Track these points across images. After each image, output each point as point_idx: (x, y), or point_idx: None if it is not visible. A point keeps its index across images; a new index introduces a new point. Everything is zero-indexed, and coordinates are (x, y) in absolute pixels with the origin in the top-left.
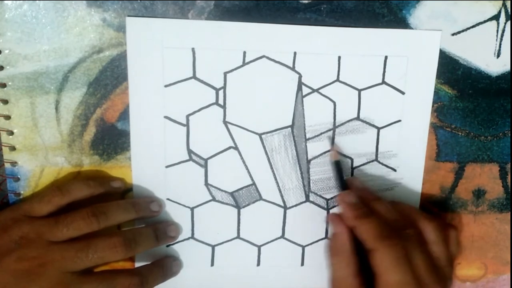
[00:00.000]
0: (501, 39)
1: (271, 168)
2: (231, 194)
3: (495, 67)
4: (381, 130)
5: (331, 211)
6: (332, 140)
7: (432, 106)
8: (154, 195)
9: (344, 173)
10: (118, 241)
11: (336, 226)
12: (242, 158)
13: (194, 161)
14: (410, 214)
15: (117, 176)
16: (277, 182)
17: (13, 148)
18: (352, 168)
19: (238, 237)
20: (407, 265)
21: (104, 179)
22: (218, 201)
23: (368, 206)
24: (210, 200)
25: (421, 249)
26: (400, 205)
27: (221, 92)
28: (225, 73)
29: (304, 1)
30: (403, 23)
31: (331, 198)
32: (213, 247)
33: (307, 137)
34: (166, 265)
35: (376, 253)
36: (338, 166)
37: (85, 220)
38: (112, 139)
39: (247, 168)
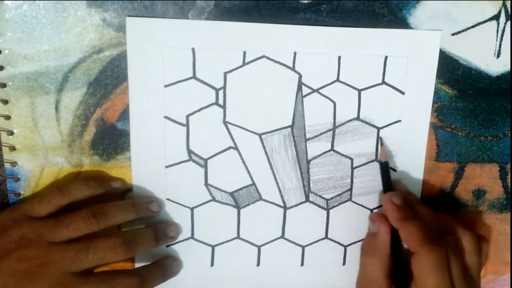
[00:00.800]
0: (501, 39)
1: (271, 168)
2: (231, 194)
3: (495, 67)
4: (381, 130)
5: (331, 211)
6: (381, 140)
7: (432, 106)
8: (154, 195)
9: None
10: (118, 241)
11: (380, 225)
12: (242, 158)
13: (194, 161)
14: (449, 222)
15: (117, 176)
16: (277, 182)
17: (13, 148)
18: (352, 168)
19: (238, 237)
20: (445, 272)
21: (104, 179)
22: (218, 201)
23: (412, 209)
24: (210, 200)
25: (459, 257)
26: (439, 213)
27: (221, 92)
28: (225, 73)
29: (304, 1)
30: (403, 23)
31: (331, 198)
32: (213, 247)
33: (307, 137)
34: (166, 266)
35: (418, 256)
36: (385, 167)
37: (85, 221)
38: (112, 139)
39: (247, 168)
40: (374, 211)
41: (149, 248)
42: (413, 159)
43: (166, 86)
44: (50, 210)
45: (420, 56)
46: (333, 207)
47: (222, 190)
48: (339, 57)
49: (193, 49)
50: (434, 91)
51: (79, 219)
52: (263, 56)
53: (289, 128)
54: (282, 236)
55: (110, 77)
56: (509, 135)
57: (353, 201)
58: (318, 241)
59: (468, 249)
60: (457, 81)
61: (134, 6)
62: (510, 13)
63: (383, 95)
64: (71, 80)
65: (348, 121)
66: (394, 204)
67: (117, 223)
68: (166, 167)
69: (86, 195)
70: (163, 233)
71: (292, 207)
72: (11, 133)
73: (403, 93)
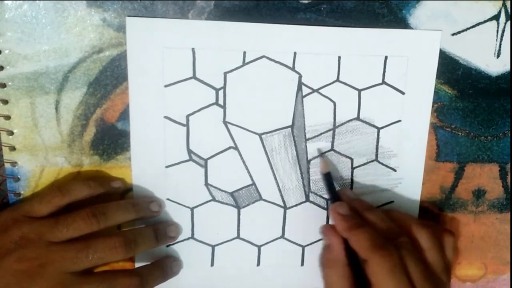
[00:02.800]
0: (501, 39)
1: (271, 168)
2: (231, 194)
3: (495, 67)
4: (381, 130)
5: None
6: (319, 152)
7: (432, 106)
8: (154, 195)
9: (336, 183)
10: (118, 241)
11: (330, 237)
12: (242, 158)
13: (194, 161)
14: (404, 221)
15: (117, 176)
16: (277, 182)
17: (13, 148)
18: (352, 168)
19: (238, 237)
20: (402, 274)
21: (104, 179)
22: (218, 201)
23: (360, 216)
24: (210, 200)
25: (416, 257)
26: (394, 213)
27: (221, 92)
28: (225, 73)
29: (304, 1)
30: (403, 23)
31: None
32: (213, 247)
33: (307, 137)
34: (166, 265)
35: (370, 263)
36: (328, 178)
37: (85, 221)
38: (112, 139)
39: (247, 168)
40: (324, 223)
41: (149, 248)
42: (413, 159)
43: (166, 86)
44: (50, 210)
45: (420, 56)
46: None
47: (222, 190)
48: (339, 57)
49: (193, 49)
50: (434, 91)
51: (79, 219)
52: (263, 56)
53: (289, 128)
54: (282, 236)
55: (110, 77)
56: (509, 135)
57: None
58: (318, 241)
59: (426, 247)
60: (457, 81)
61: (134, 6)
62: (510, 13)
63: (383, 95)
64: (71, 80)
65: (348, 121)
66: (340, 214)
67: (118, 223)
68: (166, 167)
69: (86, 195)
70: (163, 233)
71: (292, 207)
72: (11, 133)
73: (403, 93)
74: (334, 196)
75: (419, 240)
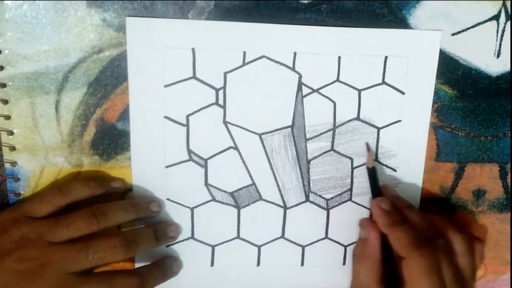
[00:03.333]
0: (501, 39)
1: (271, 168)
2: (231, 194)
3: (495, 67)
4: (381, 130)
5: (331, 211)
6: (367, 146)
7: (432, 106)
8: (154, 195)
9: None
10: (118, 241)
11: (370, 231)
12: (242, 158)
13: (194, 161)
14: (440, 224)
15: (116, 177)
16: (277, 182)
17: (13, 148)
18: (352, 168)
19: (238, 237)
20: (436, 275)
21: (104, 179)
22: (218, 201)
23: (400, 214)
24: (210, 200)
25: (450, 260)
26: (430, 215)
27: (221, 92)
28: (225, 73)
29: (304, 1)
30: (403, 23)
31: (331, 198)
32: (213, 247)
33: (307, 137)
34: (166, 265)
35: (408, 261)
36: (373, 173)
37: (85, 221)
38: (112, 139)
39: (247, 168)
40: (365, 216)
41: (149, 248)
42: (413, 159)
43: (166, 86)
44: (50, 210)
45: (420, 56)
46: (333, 207)
47: (222, 190)
48: (339, 57)
49: (193, 49)
50: (434, 91)
51: (79, 219)
52: (263, 56)
53: (289, 128)
54: (282, 236)
55: (110, 77)
56: (509, 135)
57: (353, 201)
58: (318, 241)
59: (460, 251)
60: (457, 81)
61: (134, 6)
62: (510, 13)
63: (383, 95)
64: (71, 80)
65: (348, 121)
66: (382, 210)
67: (117, 223)
68: (166, 167)
69: (86, 195)
70: (163, 233)
71: (292, 207)
72: (11, 133)
73: (403, 93)
74: (377, 191)
75: (453, 244)
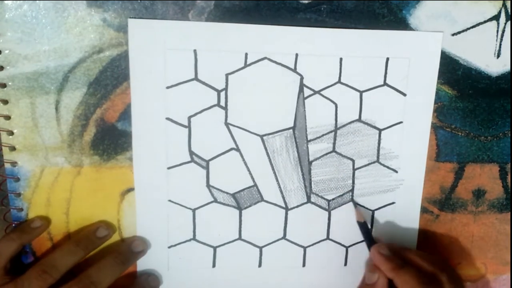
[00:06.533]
0: (501, 39)
1: (273, 169)
2: (233, 195)
3: (495, 67)
4: (382, 132)
5: (332, 212)
6: (354, 203)
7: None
8: (156, 196)
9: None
10: None
11: (380, 275)
12: (243, 159)
13: (195, 162)
14: (436, 261)
15: (100, 222)
16: (278, 184)
17: (13, 148)
18: (354, 170)
19: (239, 238)
20: None
21: (88, 236)
22: (219, 202)
23: (400, 257)
24: (211, 202)
25: None
26: (426, 254)
27: (222, 94)
28: (227, 75)
29: (304, 1)
30: (403, 23)
31: (333, 199)
32: (214, 248)
33: (308, 139)
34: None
35: None
36: (365, 227)
37: (38, 279)
38: (112, 139)
39: (248, 170)
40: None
41: (117, 276)
42: (414, 161)
43: (168, 87)
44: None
45: (422, 58)
46: (335, 208)
47: (223, 192)
48: (341, 59)
49: (195, 51)
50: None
51: (33, 279)
52: (265, 58)
53: (291, 130)
54: (284, 237)
55: (110, 77)
56: (509, 135)
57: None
58: (320, 242)
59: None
60: (457, 81)
61: (134, 7)
62: (510, 13)
63: (385, 96)
64: (71, 80)
65: (350, 122)
66: (382, 255)
67: (69, 268)
68: (168, 168)
69: (76, 261)
70: (128, 253)
71: (293, 208)
72: (11, 133)
73: (404, 94)
74: (371, 241)
75: (451, 281)
